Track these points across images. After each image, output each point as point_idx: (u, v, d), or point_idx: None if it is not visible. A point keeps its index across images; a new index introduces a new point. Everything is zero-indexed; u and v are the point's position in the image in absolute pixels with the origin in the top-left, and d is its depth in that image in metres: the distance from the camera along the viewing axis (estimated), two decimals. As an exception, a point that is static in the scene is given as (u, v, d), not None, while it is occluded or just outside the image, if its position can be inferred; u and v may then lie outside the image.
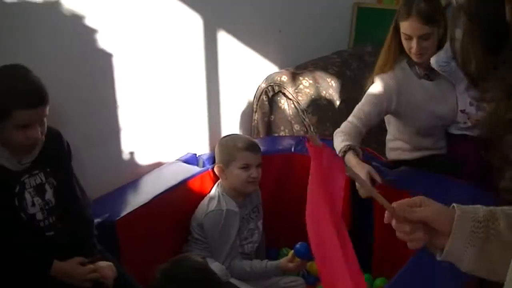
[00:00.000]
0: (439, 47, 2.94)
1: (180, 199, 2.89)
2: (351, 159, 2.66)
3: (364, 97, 2.94)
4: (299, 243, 2.71)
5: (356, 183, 2.14)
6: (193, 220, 2.87)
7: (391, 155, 3.25)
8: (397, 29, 2.94)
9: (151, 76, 3.09)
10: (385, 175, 2.89)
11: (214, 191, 2.92)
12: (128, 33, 2.91)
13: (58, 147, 2.33)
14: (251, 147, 2.92)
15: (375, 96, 2.93)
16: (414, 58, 2.95)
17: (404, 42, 2.92)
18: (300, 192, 3.10)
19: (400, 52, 2.97)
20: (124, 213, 2.62)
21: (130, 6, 2.90)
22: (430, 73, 3.04)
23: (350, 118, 2.92)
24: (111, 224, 2.56)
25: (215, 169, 2.94)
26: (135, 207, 2.67)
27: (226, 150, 2.94)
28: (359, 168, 2.63)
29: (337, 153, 2.71)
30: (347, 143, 2.74)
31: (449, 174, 2.97)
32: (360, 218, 3.01)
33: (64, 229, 2.29)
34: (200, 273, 1.89)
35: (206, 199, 2.90)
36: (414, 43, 2.89)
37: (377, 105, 2.92)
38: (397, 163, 3.14)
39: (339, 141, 2.78)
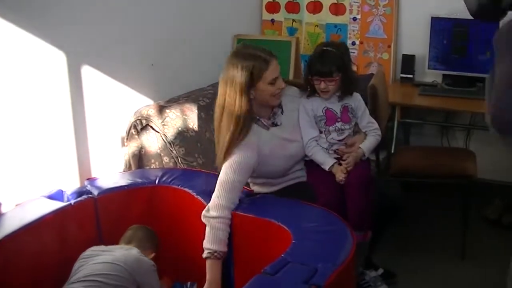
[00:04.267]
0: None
1: (38, 235, 2.87)
2: None
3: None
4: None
5: None
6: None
7: (255, 188, 3.33)
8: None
9: (13, 112, 3.09)
10: (243, 203, 2.99)
11: None
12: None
13: None
14: None
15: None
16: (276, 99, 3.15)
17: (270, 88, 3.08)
18: (166, 223, 3.18)
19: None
20: (-27, 251, 2.60)
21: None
22: (275, 120, 3.20)
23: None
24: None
25: None
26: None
27: None
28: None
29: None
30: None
31: (308, 201, 3.07)
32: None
33: None
34: None
35: None
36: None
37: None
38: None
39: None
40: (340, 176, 3.18)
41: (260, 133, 3.15)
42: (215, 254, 2.91)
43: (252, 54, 3.03)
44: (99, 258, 2.85)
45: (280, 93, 3.12)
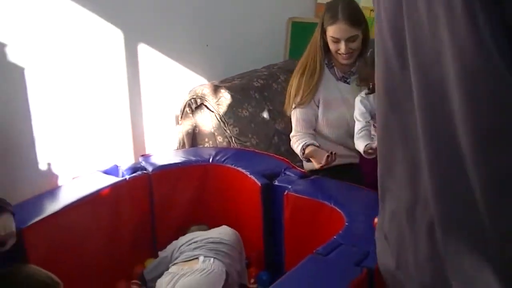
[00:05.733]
0: (364, 47, 3.23)
1: (92, 208, 2.92)
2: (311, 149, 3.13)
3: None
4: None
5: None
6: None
7: (307, 165, 3.33)
8: (321, 35, 3.19)
9: (72, 90, 3.15)
10: (297, 185, 2.98)
11: None
12: (45, 47, 2.98)
13: None
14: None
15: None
16: (341, 60, 3.15)
17: (332, 45, 3.16)
18: (219, 202, 3.20)
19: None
20: (31, 221, 2.65)
21: (48, 20, 2.97)
22: (348, 77, 3.21)
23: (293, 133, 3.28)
24: (17, 232, 2.58)
25: None
26: (43, 216, 2.70)
27: None
28: (320, 152, 3.07)
29: (300, 153, 3.20)
30: (304, 142, 3.19)
31: (357, 183, 3.06)
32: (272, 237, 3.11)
33: None
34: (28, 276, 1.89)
35: None
36: (342, 45, 3.12)
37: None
38: (313, 172, 3.22)
39: (296, 145, 3.24)
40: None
41: (329, 79, 3.27)
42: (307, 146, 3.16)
43: (332, 5, 3.18)
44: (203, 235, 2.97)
45: (345, 56, 3.17)
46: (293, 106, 3.28)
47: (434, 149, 1.13)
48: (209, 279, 2.74)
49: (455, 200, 1.11)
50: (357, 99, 3.15)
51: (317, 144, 3.17)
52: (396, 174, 1.29)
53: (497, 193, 1.01)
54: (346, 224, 2.60)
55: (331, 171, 3.21)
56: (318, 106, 3.28)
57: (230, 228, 3.08)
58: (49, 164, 3.10)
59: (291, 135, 3.34)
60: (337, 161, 3.22)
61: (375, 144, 3.06)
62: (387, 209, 1.40)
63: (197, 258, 2.85)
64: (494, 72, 0.92)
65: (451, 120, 1.03)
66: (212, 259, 2.82)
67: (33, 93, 2.95)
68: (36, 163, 3.05)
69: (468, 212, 1.07)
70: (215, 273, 2.77)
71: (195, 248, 2.92)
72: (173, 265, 2.90)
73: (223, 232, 3.03)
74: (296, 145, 3.26)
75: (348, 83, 3.29)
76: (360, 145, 3.08)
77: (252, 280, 3.12)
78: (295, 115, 3.30)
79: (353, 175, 3.24)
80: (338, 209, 2.73)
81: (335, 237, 2.49)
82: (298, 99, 3.24)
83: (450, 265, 1.18)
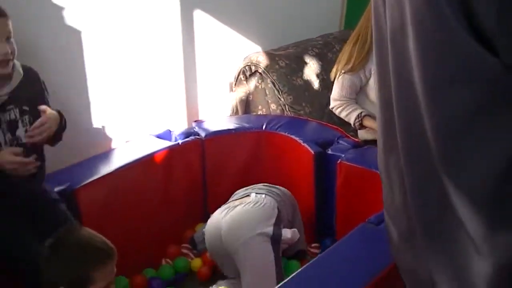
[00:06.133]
0: None
1: (145, 171, 2.94)
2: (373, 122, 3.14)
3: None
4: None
5: None
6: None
7: (361, 134, 3.30)
8: None
9: (128, 55, 3.16)
10: (350, 154, 2.95)
11: None
12: (102, 11, 2.99)
13: (35, 86, 2.34)
14: None
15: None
16: None
17: None
18: (271, 169, 3.20)
19: None
20: (84, 182, 2.68)
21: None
22: None
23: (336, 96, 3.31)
24: (71, 192, 2.62)
25: None
26: (96, 177, 2.72)
27: None
28: None
29: (354, 120, 3.22)
30: (361, 111, 3.23)
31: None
32: (324, 205, 3.10)
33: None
34: (84, 242, 1.88)
35: None
36: None
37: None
38: (368, 142, 3.18)
39: (347, 111, 3.27)
40: None
41: None
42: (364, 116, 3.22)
43: None
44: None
45: None
46: (342, 71, 3.24)
47: (398, 97, 1.17)
48: (261, 210, 2.74)
49: (413, 144, 1.14)
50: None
51: (374, 115, 3.13)
52: (380, 126, 1.33)
53: (446, 139, 1.04)
54: (399, 194, 2.56)
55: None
56: (368, 77, 3.22)
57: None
58: (103, 127, 3.12)
59: (332, 97, 3.32)
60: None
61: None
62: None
63: (248, 195, 2.87)
64: (440, 17, 0.94)
65: (410, 70, 1.06)
66: (263, 194, 2.83)
67: (89, 56, 2.97)
68: (91, 126, 3.07)
69: (424, 156, 1.10)
70: (267, 206, 2.76)
71: (246, 189, 2.94)
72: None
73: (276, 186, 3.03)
74: (347, 110, 3.26)
75: None
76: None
77: (314, 245, 3.12)
78: (342, 81, 3.26)
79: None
80: (391, 179, 2.69)
81: (387, 206, 2.46)
82: (349, 66, 3.20)
83: (416, 217, 1.22)
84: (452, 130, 1.01)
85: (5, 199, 2.24)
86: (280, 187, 2.99)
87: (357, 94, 3.29)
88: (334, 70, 3.33)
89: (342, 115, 3.29)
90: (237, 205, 2.79)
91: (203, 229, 2.94)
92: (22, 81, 2.25)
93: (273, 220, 2.71)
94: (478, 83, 0.94)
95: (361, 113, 3.20)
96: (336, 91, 3.29)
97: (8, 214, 2.26)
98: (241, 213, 2.73)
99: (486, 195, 0.99)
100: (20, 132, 2.25)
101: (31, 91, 2.30)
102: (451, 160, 1.04)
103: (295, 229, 2.83)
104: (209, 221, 2.89)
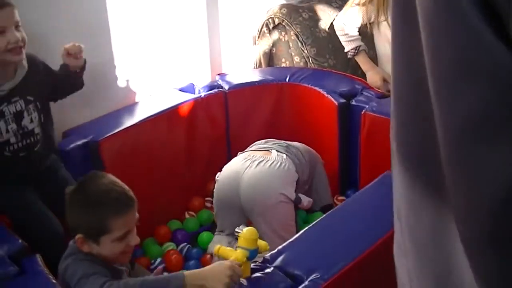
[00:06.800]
0: None
1: (168, 124, 2.95)
2: (365, 62, 3.26)
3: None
4: None
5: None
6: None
7: (386, 86, 3.27)
8: None
9: (151, 8, 3.13)
10: (374, 104, 2.93)
11: None
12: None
13: (39, 74, 2.39)
14: None
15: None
16: None
17: None
18: (294, 121, 3.18)
19: None
20: (107, 134, 2.70)
21: None
22: None
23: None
24: (95, 144, 2.65)
25: None
26: (119, 129, 2.74)
27: None
28: (374, 72, 3.22)
29: (348, 52, 3.25)
30: (358, 43, 3.25)
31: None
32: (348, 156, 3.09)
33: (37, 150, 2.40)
34: (103, 189, 1.89)
35: None
36: None
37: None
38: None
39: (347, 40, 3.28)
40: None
41: None
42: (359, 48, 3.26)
43: None
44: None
45: None
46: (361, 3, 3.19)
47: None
48: (285, 173, 2.69)
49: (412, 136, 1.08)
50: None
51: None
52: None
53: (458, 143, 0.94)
54: (425, 143, 2.53)
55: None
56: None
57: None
58: (127, 81, 3.12)
59: (337, 22, 3.34)
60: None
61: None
62: None
63: (269, 151, 2.81)
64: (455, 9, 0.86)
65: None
66: (284, 155, 2.77)
67: (113, 11, 2.96)
68: (115, 80, 3.07)
69: (429, 153, 1.03)
70: (291, 169, 2.71)
71: (266, 142, 2.90)
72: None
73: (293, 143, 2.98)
74: (349, 38, 3.29)
75: None
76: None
77: (340, 198, 3.12)
78: (355, 12, 3.21)
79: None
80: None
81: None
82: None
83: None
84: (460, 133, 0.95)
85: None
86: (298, 145, 2.94)
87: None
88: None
89: (341, 38, 3.33)
90: (260, 161, 2.71)
91: (217, 176, 2.88)
92: (27, 71, 2.31)
93: (294, 184, 2.70)
94: (491, 80, 0.85)
95: (359, 46, 3.27)
96: (344, 18, 3.29)
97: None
98: (266, 173, 2.67)
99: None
100: (26, 121, 2.32)
101: (35, 80, 2.35)
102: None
103: (311, 200, 2.80)
104: (225, 168, 2.81)
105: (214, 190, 2.82)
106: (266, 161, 2.70)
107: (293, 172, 2.71)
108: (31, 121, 2.34)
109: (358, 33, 3.24)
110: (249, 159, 2.75)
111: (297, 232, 2.30)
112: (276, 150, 2.78)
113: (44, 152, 2.43)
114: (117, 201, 1.83)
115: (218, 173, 2.84)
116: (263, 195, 2.62)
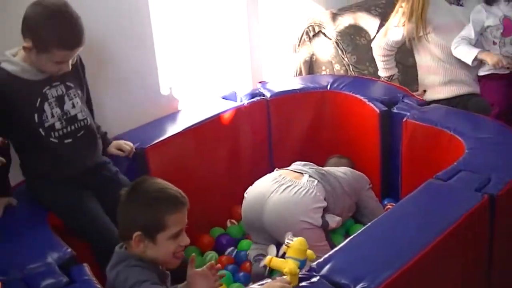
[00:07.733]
0: None
1: (211, 131, 3.00)
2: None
3: None
4: None
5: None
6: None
7: (426, 95, 3.30)
8: None
9: (193, 17, 3.21)
10: (416, 112, 2.94)
11: None
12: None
13: (76, 64, 2.41)
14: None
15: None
16: None
17: None
18: (334, 126, 3.20)
19: None
20: (154, 141, 2.75)
21: None
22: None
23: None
24: (141, 151, 2.70)
25: None
26: (165, 137, 2.80)
27: None
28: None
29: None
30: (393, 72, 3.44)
31: (480, 113, 3.00)
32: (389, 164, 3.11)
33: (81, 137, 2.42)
34: (159, 188, 1.94)
35: None
36: None
37: None
38: (433, 102, 3.17)
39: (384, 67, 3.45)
40: (493, 58, 3.08)
41: (439, 4, 3.28)
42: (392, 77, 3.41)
43: None
44: None
45: None
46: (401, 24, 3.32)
47: None
48: (308, 200, 2.67)
49: None
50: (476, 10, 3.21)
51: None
52: None
53: None
54: (466, 151, 2.55)
55: (451, 101, 3.18)
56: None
57: (355, 171, 3.03)
58: (170, 89, 3.17)
59: (376, 44, 3.46)
60: (458, 91, 3.19)
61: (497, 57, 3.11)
62: None
63: (302, 174, 2.80)
64: None
65: None
66: (316, 181, 2.76)
67: (156, 20, 3.01)
68: (159, 88, 3.13)
69: None
70: (316, 196, 2.69)
71: (304, 165, 2.91)
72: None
73: (341, 169, 2.98)
74: (388, 65, 3.45)
75: (461, 5, 3.27)
76: (470, 50, 3.18)
77: (389, 205, 3.10)
78: (396, 33, 3.35)
79: (477, 105, 3.17)
80: (457, 137, 2.68)
81: (455, 163, 2.45)
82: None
83: None
84: None
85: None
86: (341, 174, 2.92)
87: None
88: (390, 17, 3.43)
89: (379, 62, 3.47)
90: (287, 186, 2.72)
91: (246, 193, 2.87)
92: None
93: (321, 211, 2.68)
94: None
95: (393, 75, 3.41)
96: (383, 38, 3.43)
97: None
98: (289, 201, 2.67)
99: None
100: (68, 106, 2.36)
101: (73, 68, 2.37)
102: None
103: (340, 218, 2.78)
104: (253, 187, 2.83)
105: (242, 208, 2.85)
106: (294, 187, 2.70)
107: (320, 199, 2.70)
108: (73, 105, 2.37)
109: (394, 60, 3.43)
110: (278, 181, 2.75)
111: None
112: (309, 175, 2.78)
113: (88, 141, 2.45)
114: (175, 198, 1.89)
115: (249, 187, 2.86)
116: (285, 222, 2.61)
